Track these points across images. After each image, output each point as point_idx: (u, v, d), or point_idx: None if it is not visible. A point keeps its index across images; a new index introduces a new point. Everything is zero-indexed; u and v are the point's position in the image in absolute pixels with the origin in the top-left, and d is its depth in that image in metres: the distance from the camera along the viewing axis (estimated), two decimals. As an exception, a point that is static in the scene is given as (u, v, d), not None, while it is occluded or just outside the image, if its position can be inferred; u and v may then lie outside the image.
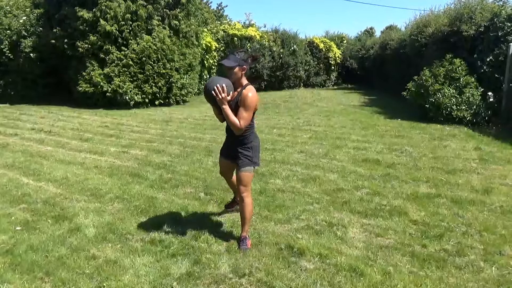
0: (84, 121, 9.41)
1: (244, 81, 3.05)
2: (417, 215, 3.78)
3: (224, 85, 2.86)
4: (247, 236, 3.20)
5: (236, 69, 2.97)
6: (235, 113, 2.95)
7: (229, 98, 2.91)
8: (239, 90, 3.02)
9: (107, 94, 11.44)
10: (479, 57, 9.07)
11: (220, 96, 2.85)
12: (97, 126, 8.73)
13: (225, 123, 3.14)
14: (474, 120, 8.59)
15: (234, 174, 3.31)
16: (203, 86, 16.06)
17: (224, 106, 2.89)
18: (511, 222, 3.62)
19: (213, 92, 2.85)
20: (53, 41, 11.62)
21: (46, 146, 6.66)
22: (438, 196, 4.27)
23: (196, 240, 3.23)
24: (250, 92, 2.96)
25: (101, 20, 11.17)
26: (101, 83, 11.33)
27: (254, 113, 3.06)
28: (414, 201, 4.14)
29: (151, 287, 2.63)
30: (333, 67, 22.37)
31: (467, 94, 8.61)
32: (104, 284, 2.65)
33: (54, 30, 11.60)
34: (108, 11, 11.24)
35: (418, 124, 8.80)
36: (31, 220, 3.64)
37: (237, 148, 3.11)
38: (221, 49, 17.00)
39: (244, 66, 3.01)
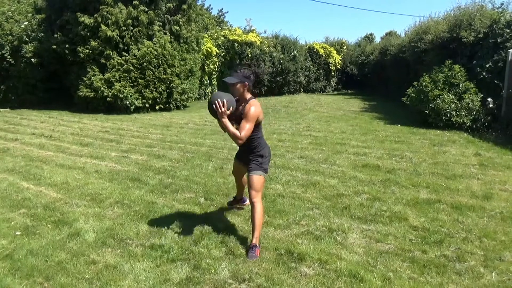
0: (85, 126, 9.43)
1: (248, 95, 3.29)
2: (417, 220, 3.78)
3: (224, 100, 3.06)
4: (257, 245, 3.14)
5: (238, 86, 3.22)
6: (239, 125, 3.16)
7: (228, 112, 3.08)
8: (243, 104, 3.25)
9: (108, 99, 11.48)
10: (478, 63, 9.11)
11: (220, 110, 3.05)
12: (97, 131, 8.75)
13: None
14: (474, 126, 8.61)
15: (244, 177, 3.64)
16: (203, 92, 16.26)
17: (223, 120, 3.08)
18: (511, 228, 3.63)
19: (213, 105, 3.05)
20: (54, 46, 11.68)
21: (47, 151, 6.67)
22: (438, 202, 4.27)
23: (196, 245, 3.23)
24: (252, 106, 3.19)
25: (102, 26, 11.23)
26: (102, 88, 11.37)
27: (260, 124, 3.32)
28: (414, 207, 4.14)
29: (150, 292, 2.63)
30: (333, 73, 22.47)
31: (467, 100, 8.64)
32: (104, 289, 2.64)
33: (55, 36, 11.66)
34: (110, 16, 11.31)
35: (418, 129, 8.82)
36: (31, 225, 3.64)
37: (248, 155, 3.38)
38: (222, 54, 17.07)
39: (246, 83, 3.22)
